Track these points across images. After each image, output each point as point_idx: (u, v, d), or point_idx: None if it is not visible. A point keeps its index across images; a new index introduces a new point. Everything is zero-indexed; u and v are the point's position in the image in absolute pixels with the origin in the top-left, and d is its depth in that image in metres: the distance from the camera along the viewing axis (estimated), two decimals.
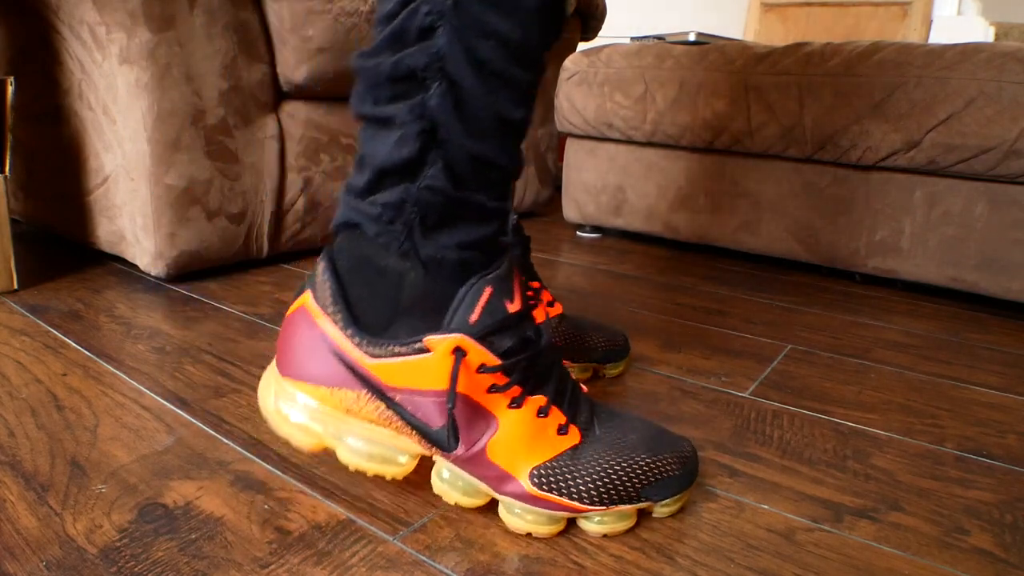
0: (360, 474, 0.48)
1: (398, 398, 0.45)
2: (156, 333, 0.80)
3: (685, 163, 1.36)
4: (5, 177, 0.89)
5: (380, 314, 0.45)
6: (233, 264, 1.07)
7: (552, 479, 0.46)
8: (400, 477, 0.48)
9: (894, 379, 0.80)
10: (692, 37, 1.51)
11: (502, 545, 0.46)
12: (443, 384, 0.44)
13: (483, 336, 0.44)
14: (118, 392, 0.65)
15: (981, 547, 0.49)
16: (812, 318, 1.01)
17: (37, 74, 1.04)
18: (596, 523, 0.48)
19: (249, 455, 0.55)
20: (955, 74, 1.05)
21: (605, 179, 1.46)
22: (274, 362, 0.49)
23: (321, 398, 0.47)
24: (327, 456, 0.55)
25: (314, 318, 0.46)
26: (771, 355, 0.85)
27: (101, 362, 0.71)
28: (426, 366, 0.44)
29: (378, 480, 0.53)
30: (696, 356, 0.83)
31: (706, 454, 0.60)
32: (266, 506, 0.49)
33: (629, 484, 0.47)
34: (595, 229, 1.55)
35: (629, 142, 1.42)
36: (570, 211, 1.53)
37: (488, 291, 0.44)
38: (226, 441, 0.57)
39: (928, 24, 3.22)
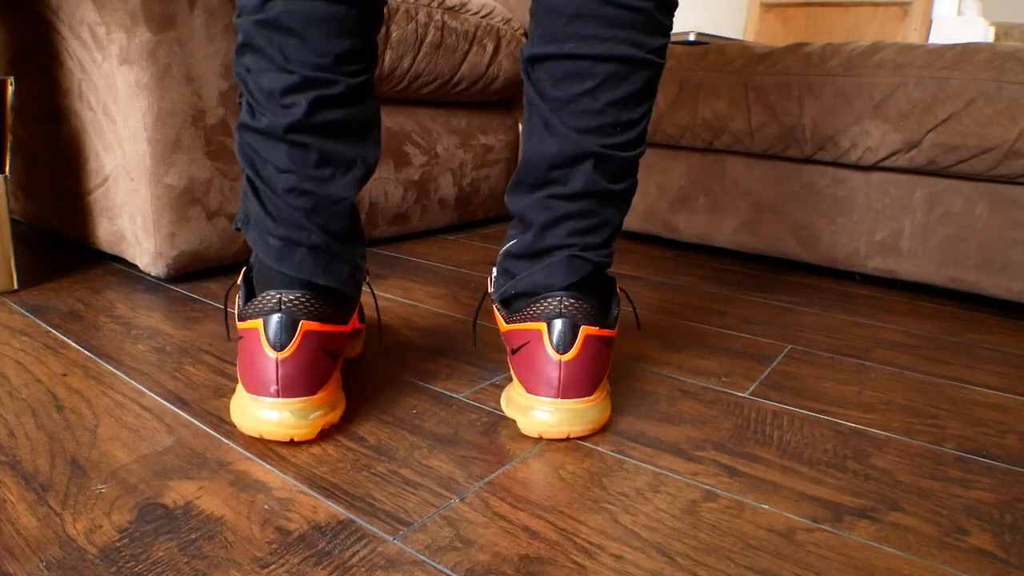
0: None
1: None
2: (156, 333, 0.80)
3: (685, 163, 1.36)
4: (5, 177, 0.89)
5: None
6: (233, 264, 1.07)
7: None
8: None
9: (894, 379, 0.80)
10: (692, 37, 1.51)
11: (502, 545, 0.46)
12: None
13: None
14: (118, 392, 0.65)
15: (981, 547, 0.49)
16: (812, 318, 1.01)
17: (37, 74, 1.04)
18: None
19: (249, 455, 0.55)
20: (955, 74, 1.05)
21: None
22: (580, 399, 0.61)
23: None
24: (327, 456, 0.55)
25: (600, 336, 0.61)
26: (771, 355, 0.85)
27: (101, 362, 0.71)
28: None
29: (380, 480, 0.53)
30: (696, 356, 0.83)
31: (706, 454, 0.60)
32: (266, 506, 0.49)
33: None
34: None
35: None
36: None
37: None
38: (226, 441, 0.57)
39: (928, 24, 3.23)
